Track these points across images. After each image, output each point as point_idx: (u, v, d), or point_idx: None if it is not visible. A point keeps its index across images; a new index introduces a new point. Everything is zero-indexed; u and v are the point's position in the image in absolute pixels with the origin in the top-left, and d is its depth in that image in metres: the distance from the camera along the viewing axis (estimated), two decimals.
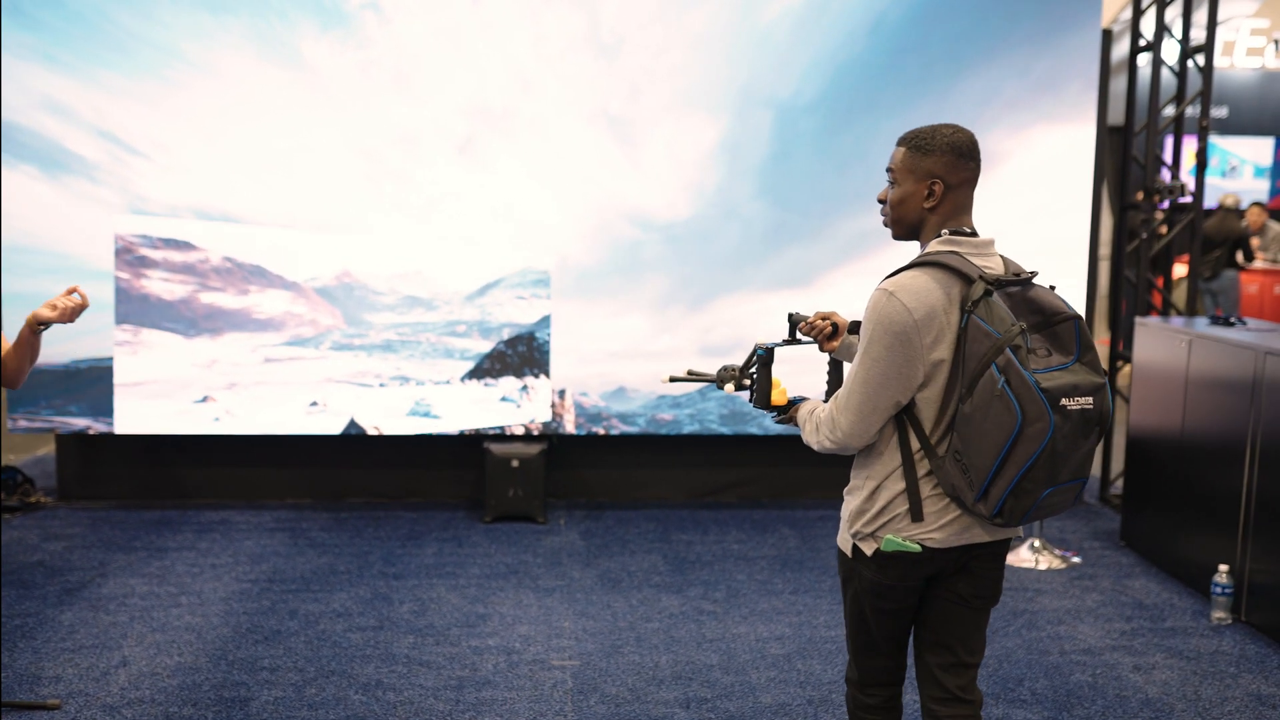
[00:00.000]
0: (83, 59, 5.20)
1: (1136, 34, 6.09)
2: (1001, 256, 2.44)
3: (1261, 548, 4.32)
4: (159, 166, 5.36)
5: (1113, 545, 5.38)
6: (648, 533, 5.52)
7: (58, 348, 5.43)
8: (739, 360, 2.78)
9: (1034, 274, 2.39)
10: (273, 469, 5.98)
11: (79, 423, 5.54)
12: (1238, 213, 10.69)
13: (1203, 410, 4.73)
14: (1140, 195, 6.16)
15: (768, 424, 5.82)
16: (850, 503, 2.47)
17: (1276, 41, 13.22)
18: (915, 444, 2.35)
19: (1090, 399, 2.23)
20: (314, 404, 5.58)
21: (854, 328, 2.68)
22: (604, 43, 5.48)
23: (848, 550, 2.49)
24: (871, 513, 2.40)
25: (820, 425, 2.43)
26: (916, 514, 2.34)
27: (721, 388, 2.70)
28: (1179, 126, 6.11)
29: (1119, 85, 8.12)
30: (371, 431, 5.66)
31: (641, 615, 4.44)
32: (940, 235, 2.38)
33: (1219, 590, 4.40)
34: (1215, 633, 4.34)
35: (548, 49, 5.46)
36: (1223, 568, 4.40)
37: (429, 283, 5.61)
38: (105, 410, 5.53)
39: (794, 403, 2.65)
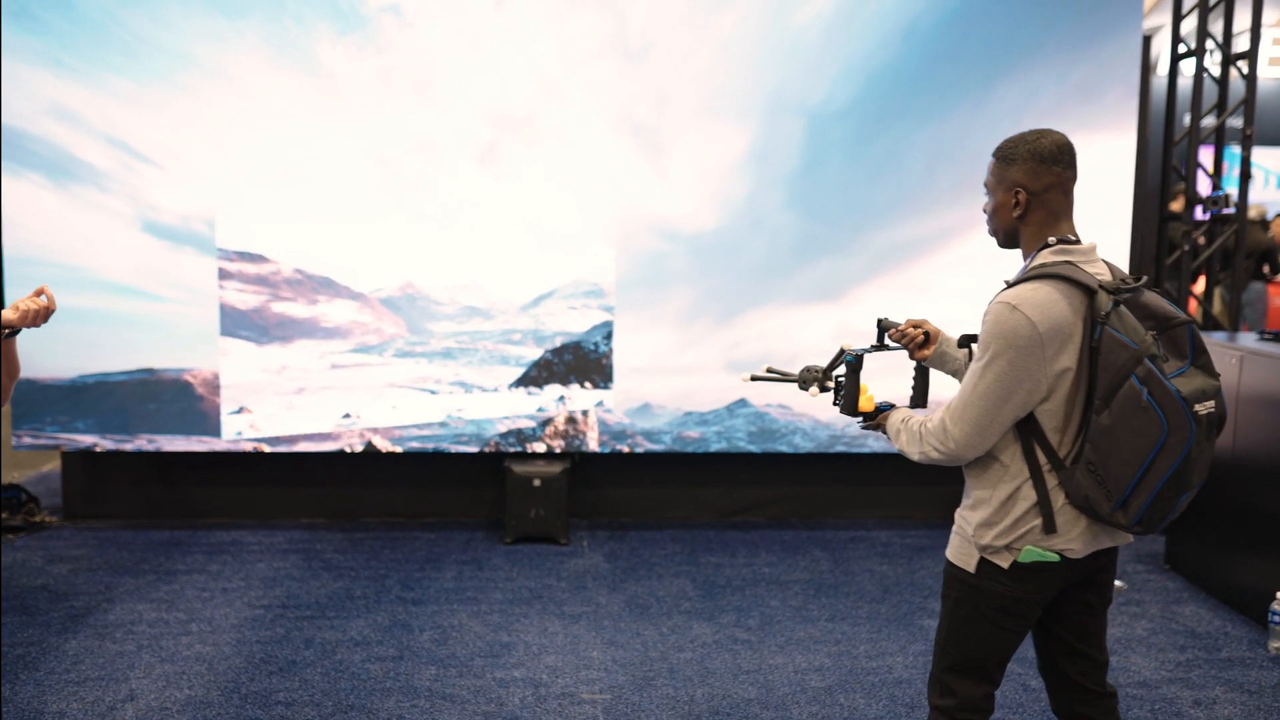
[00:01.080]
0: (91, 64, 5.02)
1: (1177, 40, 5.91)
2: (1105, 262, 2.40)
3: None
4: (170, 175, 5.18)
5: (1157, 569, 5.18)
6: (674, 555, 5.32)
7: (63, 362, 5.25)
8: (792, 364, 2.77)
9: (1143, 279, 2.35)
10: (286, 487, 5.79)
11: (85, 439, 5.36)
12: (1263, 224, 10.48)
13: (1255, 428, 4.53)
14: (1180, 206, 5.96)
15: (797, 441, 5.63)
16: (974, 516, 2.40)
17: None
18: (1042, 457, 2.32)
19: (1213, 402, 2.23)
20: (346, 415, 5.40)
21: (965, 341, 2.59)
22: (630, 47, 5.31)
23: (971, 566, 2.40)
24: (1004, 524, 2.35)
25: (927, 435, 2.39)
26: (1049, 526, 2.31)
27: (805, 389, 2.70)
28: (1220, 136, 5.93)
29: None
30: (386, 449, 5.47)
31: (673, 644, 4.24)
32: (1049, 244, 2.35)
33: (1277, 619, 4.20)
34: (1276, 664, 4.13)
35: (572, 54, 5.29)
36: None
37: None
38: (113, 427, 5.34)
39: (881, 409, 2.60)
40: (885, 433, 2.57)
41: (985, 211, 2.48)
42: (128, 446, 5.38)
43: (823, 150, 5.45)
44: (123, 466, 5.71)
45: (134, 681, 3.82)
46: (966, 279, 5.47)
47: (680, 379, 5.57)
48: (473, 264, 5.42)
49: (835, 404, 2.66)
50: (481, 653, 4.12)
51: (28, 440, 5.35)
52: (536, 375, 5.51)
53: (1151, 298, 2.31)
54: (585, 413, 5.54)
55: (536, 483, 5.39)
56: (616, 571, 5.07)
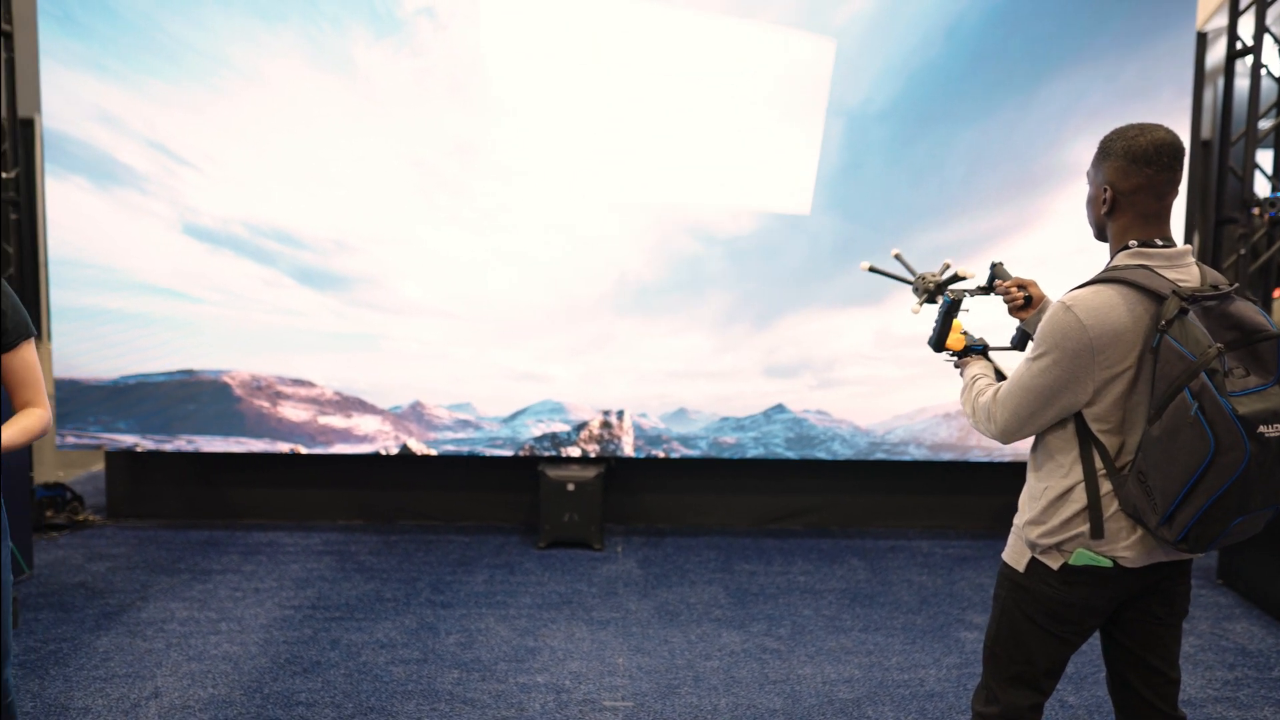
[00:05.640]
0: (131, 67, 5.09)
1: (1234, 38, 5.72)
2: (1199, 266, 2.27)
3: None
4: (209, 178, 5.23)
5: (1209, 584, 5.00)
6: (709, 562, 5.25)
7: (105, 363, 5.32)
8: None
9: (1235, 286, 2.21)
10: (323, 489, 5.81)
11: (126, 439, 5.42)
12: None
13: None
14: (1266, 212, 5.74)
15: (836, 448, 5.52)
16: (1025, 512, 2.35)
17: None
18: (1098, 461, 2.24)
19: None
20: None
21: (1021, 337, 2.61)
22: (668, 48, 5.25)
23: (1021, 566, 2.34)
24: (1052, 524, 2.28)
25: (978, 409, 2.40)
26: (1096, 531, 2.24)
27: (916, 294, 2.75)
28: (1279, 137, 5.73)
29: (1208, 94, 7.72)
30: (421, 452, 5.46)
31: (700, 652, 4.17)
32: (1128, 247, 2.25)
33: None
34: None
35: (608, 54, 5.24)
36: None
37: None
38: (154, 427, 5.40)
39: (972, 349, 2.60)
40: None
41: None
42: (167, 447, 5.43)
43: (862, 152, 5.35)
44: (164, 467, 5.78)
45: (160, 679, 3.84)
46: None
47: (717, 384, 5.50)
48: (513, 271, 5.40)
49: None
50: (506, 657, 4.08)
51: (71, 440, 5.42)
52: None
53: (1241, 307, 2.16)
54: (620, 416, 5.49)
55: (570, 487, 5.35)
56: (649, 578, 5.01)
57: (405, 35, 5.16)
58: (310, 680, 3.85)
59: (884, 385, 5.51)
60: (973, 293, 2.64)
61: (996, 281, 2.66)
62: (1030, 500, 2.34)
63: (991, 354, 2.62)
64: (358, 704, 3.67)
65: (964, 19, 5.26)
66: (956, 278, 2.64)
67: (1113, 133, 2.29)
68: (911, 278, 2.78)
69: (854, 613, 4.61)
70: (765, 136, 5.31)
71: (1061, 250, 5.23)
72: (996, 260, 2.70)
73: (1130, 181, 2.23)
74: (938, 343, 2.62)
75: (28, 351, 2.42)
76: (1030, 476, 2.38)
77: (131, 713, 3.57)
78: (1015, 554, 2.37)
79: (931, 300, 2.71)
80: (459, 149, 5.28)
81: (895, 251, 2.87)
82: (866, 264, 2.90)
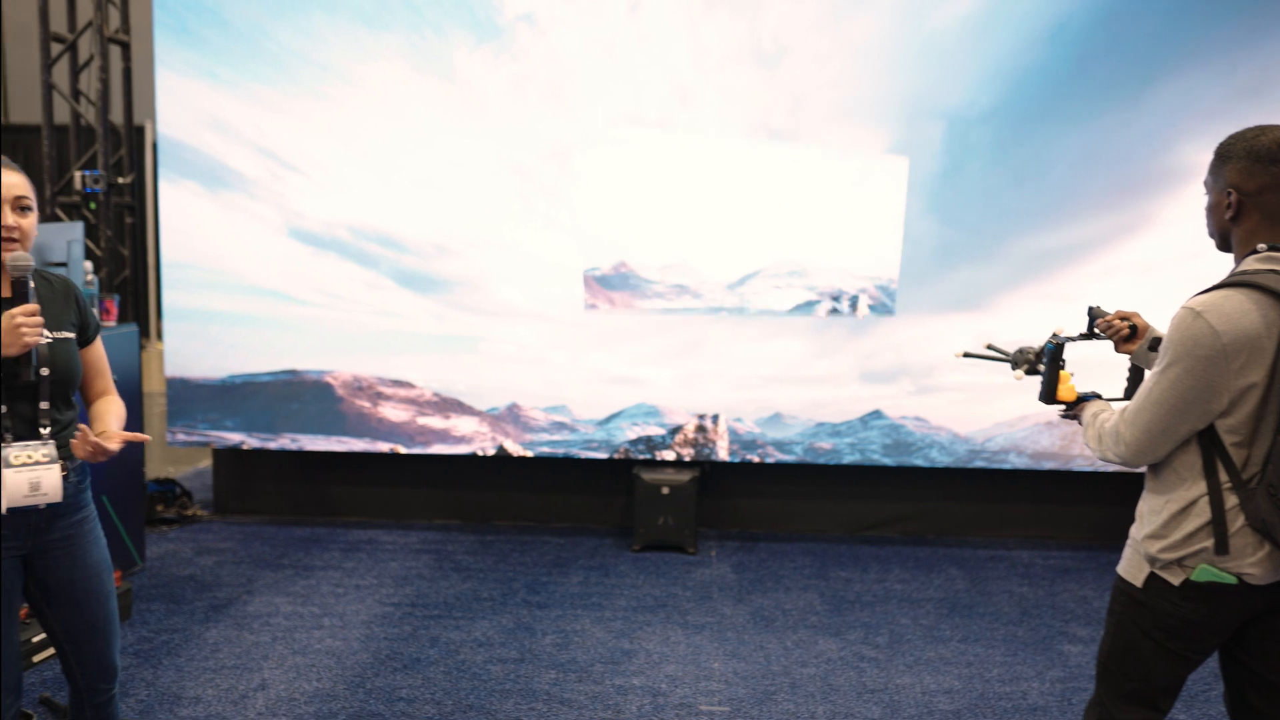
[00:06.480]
0: (242, 75, 5.23)
1: None
2: None
3: None
4: (314, 183, 5.35)
5: None
6: (804, 568, 5.22)
7: (214, 363, 5.47)
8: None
9: None
10: (421, 489, 5.91)
11: (233, 437, 5.57)
12: None
13: None
14: None
15: (934, 455, 5.45)
16: (1144, 526, 2.28)
17: None
18: (1224, 474, 2.17)
19: None
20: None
21: (1154, 345, 2.52)
22: (764, 53, 5.24)
23: (1139, 581, 2.28)
24: (1174, 539, 2.22)
25: (1104, 436, 2.33)
26: (1221, 547, 2.17)
27: (1015, 370, 2.72)
28: None
29: None
30: (517, 454, 5.52)
31: (797, 659, 4.14)
32: (1256, 251, 2.17)
33: None
34: None
35: (706, 60, 5.25)
36: None
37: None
38: (259, 425, 5.54)
39: (1083, 399, 2.56)
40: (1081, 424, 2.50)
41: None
42: (272, 445, 5.57)
43: (964, 155, 5.27)
44: (268, 464, 5.92)
45: (266, 671, 3.94)
46: (1116, 290, 5.21)
47: (813, 389, 5.46)
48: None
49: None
50: (602, 659, 4.10)
51: (181, 437, 5.58)
52: None
53: None
54: (715, 421, 5.49)
55: (665, 490, 5.36)
56: (743, 582, 4.99)
57: (505, 41, 5.22)
58: (410, 677, 3.92)
59: (984, 392, 5.42)
60: (1074, 338, 2.61)
61: (1097, 321, 2.61)
62: (1150, 513, 2.27)
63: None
64: (457, 701, 3.72)
65: (1070, 19, 5.14)
66: (1054, 335, 2.61)
67: (1230, 137, 2.22)
68: (1007, 357, 2.75)
69: (953, 623, 4.54)
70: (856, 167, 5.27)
71: (1171, 256, 5.08)
72: (1092, 304, 2.66)
73: (1256, 181, 2.16)
74: (1048, 395, 2.58)
75: (100, 345, 2.77)
76: (1149, 488, 2.30)
77: (240, 703, 3.67)
78: (1132, 568, 2.30)
79: (1033, 370, 2.67)
80: (556, 154, 5.33)
81: (987, 344, 2.87)
82: (960, 351, 2.91)
